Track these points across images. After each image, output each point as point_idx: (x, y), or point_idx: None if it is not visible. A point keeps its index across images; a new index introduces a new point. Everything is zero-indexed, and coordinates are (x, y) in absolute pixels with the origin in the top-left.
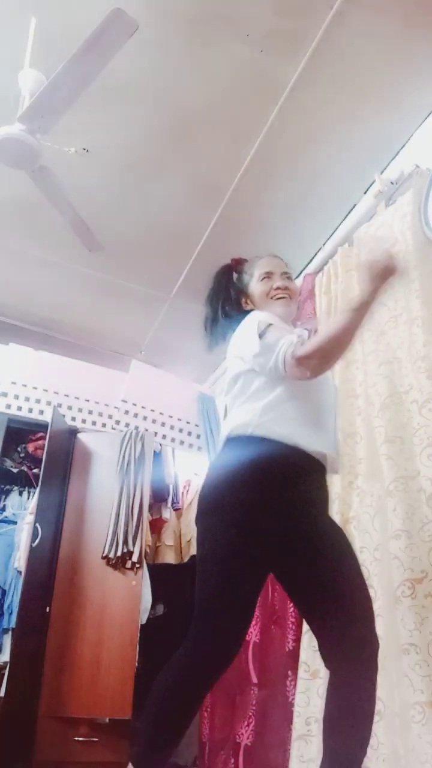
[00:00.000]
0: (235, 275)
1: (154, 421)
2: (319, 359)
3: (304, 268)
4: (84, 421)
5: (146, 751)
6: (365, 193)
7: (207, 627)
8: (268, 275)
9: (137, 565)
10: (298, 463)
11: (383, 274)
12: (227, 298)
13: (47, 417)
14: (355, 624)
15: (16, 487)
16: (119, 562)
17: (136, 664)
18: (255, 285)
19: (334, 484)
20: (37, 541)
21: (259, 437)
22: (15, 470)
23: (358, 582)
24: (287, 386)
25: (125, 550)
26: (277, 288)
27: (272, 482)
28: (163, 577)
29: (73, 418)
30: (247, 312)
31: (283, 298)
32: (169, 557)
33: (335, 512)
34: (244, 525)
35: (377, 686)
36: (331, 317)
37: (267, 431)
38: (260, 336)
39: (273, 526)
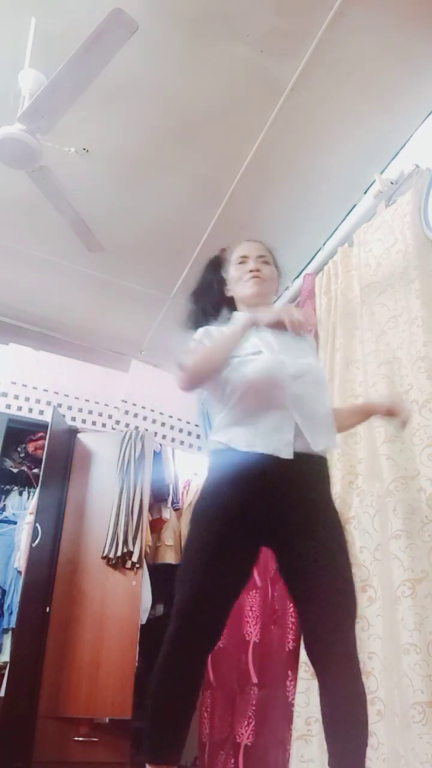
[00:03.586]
0: (221, 266)
1: (154, 421)
2: (192, 375)
3: (304, 268)
4: (84, 421)
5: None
6: (365, 193)
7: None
8: (243, 259)
9: (137, 565)
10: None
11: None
12: (214, 291)
13: (47, 417)
14: None
15: (16, 487)
16: (119, 562)
17: (136, 664)
18: (232, 270)
19: (335, 484)
20: (37, 541)
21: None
22: (15, 470)
23: None
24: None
25: (125, 550)
26: (249, 271)
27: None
28: (163, 577)
29: (73, 418)
30: (230, 299)
31: (253, 278)
32: (169, 557)
33: None
34: None
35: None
36: (330, 317)
37: None
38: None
39: None
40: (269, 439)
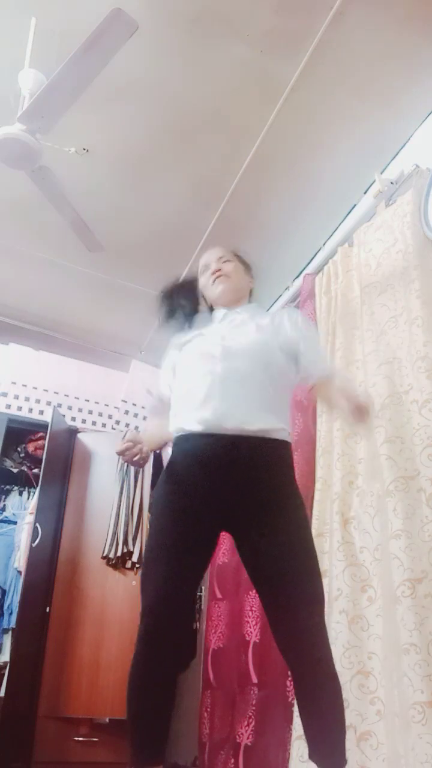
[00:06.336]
0: (196, 286)
1: None
2: None
3: (304, 268)
4: (84, 421)
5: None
6: (365, 193)
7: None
8: (206, 267)
9: (137, 565)
10: None
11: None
12: (196, 293)
13: (47, 417)
14: None
15: (16, 487)
16: (119, 562)
17: None
18: (201, 280)
19: (335, 484)
20: (37, 541)
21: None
22: (15, 470)
23: None
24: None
25: (125, 550)
26: (212, 273)
27: None
28: None
29: (73, 418)
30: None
31: (217, 278)
32: None
33: (335, 512)
34: None
35: None
36: (330, 317)
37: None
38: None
39: None
40: (189, 414)
